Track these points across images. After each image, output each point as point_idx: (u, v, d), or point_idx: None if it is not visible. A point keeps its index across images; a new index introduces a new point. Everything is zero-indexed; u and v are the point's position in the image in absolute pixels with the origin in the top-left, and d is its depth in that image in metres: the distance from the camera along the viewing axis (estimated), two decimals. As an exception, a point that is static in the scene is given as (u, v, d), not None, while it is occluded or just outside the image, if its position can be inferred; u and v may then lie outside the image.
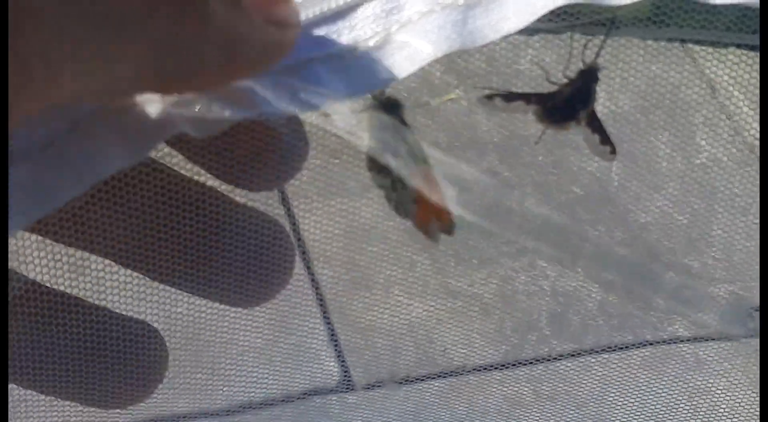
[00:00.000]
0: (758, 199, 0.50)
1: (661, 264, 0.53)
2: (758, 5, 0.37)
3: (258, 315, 0.53)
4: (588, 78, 0.40)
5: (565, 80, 0.41)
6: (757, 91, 0.45)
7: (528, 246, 0.53)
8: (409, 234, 0.51)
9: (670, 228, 0.51)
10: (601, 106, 0.44)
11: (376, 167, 0.41)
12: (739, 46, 0.40)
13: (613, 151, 0.42)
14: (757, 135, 0.48)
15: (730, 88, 0.47)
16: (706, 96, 0.48)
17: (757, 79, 0.45)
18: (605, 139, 0.42)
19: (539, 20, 0.37)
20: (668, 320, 0.56)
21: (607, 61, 0.43)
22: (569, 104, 0.40)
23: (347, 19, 0.35)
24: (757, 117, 0.48)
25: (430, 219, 0.41)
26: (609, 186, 0.49)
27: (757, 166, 0.49)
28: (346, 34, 0.35)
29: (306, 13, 0.35)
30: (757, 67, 0.45)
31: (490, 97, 0.40)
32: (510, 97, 0.40)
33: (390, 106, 0.38)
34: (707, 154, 0.49)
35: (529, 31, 0.38)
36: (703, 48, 0.45)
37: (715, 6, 0.38)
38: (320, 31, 0.35)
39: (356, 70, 0.35)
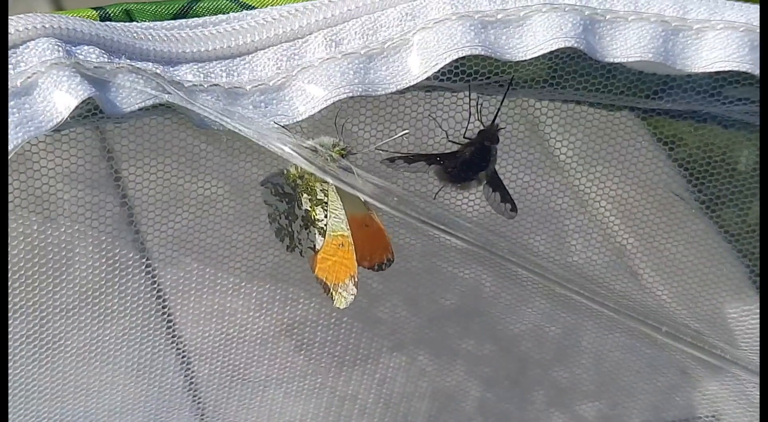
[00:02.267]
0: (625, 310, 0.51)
1: (530, 380, 0.53)
2: (644, 66, 0.38)
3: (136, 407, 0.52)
4: (487, 138, 0.41)
5: (464, 140, 0.41)
6: (625, 202, 0.48)
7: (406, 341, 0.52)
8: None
9: (541, 339, 0.51)
10: (478, 207, 0.46)
11: (276, 188, 0.40)
12: (632, 108, 0.42)
13: (514, 209, 0.43)
14: (624, 242, 0.51)
15: (598, 199, 0.48)
16: (575, 205, 0.49)
17: (624, 193, 0.48)
18: (505, 197, 0.42)
19: (439, 79, 0.38)
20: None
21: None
22: (469, 165, 0.41)
23: (247, 59, 0.35)
24: (625, 226, 0.50)
25: (339, 279, 0.40)
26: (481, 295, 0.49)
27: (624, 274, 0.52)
28: (246, 73, 0.35)
29: (207, 47, 0.35)
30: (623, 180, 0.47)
31: (391, 160, 0.40)
32: (411, 158, 0.40)
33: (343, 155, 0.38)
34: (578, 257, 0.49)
35: (429, 88, 0.39)
36: (570, 160, 0.46)
37: (610, 70, 0.39)
38: (221, 66, 0.35)
39: (252, 106, 0.34)
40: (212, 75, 0.34)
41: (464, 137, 0.41)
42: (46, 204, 0.40)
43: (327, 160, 0.37)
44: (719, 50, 0.37)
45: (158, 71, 0.33)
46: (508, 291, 0.51)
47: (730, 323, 0.52)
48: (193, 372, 0.53)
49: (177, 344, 0.51)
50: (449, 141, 0.41)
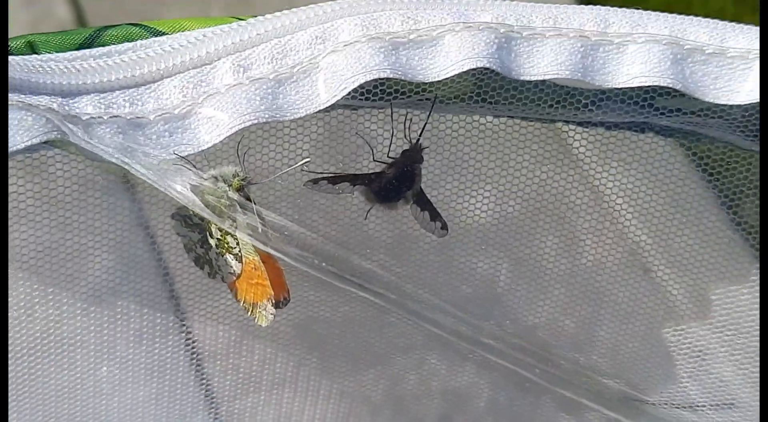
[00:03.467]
0: (641, 306, 0.51)
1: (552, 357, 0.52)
2: (569, 81, 0.37)
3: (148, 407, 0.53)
4: (411, 158, 0.41)
5: (389, 160, 0.41)
6: (640, 199, 0.48)
7: (418, 341, 0.52)
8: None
9: (558, 331, 0.51)
10: (490, 210, 0.46)
11: (185, 220, 0.41)
12: (566, 121, 0.41)
13: (444, 227, 0.42)
14: (639, 237, 0.49)
15: (614, 196, 0.47)
16: (590, 202, 0.47)
17: (639, 187, 0.47)
18: (435, 216, 0.42)
19: (359, 98, 0.37)
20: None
21: (494, 168, 0.44)
22: (394, 185, 0.41)
23: (152, 87, 0.35)
24: (640, 223, 0.48)
25: (259, 298, 0.41)
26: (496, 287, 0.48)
27: (638, 270, 0.50)
28: (151, 102, 0.35)
29: (111, 77, 0.35)
30: (639, 175, 0.47)
31: (315, 181, 0.40)
32: (335, 179, 0.40)
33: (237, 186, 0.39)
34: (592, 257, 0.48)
35: (352, 106, 0.39)
36: (589, 155, 0.45)
37: (537, 84, 0.38)
38: (124, 96, 0.35)
39: (156, 135, 0.35)
40: (114, 105, 0.35)
41: (389, 156, 0.41)
42: (61, 203, 0.42)
43: (224, 193, 0.37)
44: (640, 65, 0.35)
45: (54, 106, 0.33)
46: (525, 286, 0.51)
47: (743, 319, 0.50)
48: (206, 373, 0.53)
49: (190, 345, 0.52)
50: (374, 161, 0.41)
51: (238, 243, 0.39)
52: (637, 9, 0.36)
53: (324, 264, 0.40)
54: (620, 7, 0.36)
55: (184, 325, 0.50)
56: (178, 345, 0.50)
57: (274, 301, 0.41)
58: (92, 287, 0.46)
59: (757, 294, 0.49)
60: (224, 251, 0.40)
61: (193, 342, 0.51)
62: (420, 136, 0.40)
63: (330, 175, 0.40)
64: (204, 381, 0.53)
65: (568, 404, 0.54)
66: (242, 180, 0.38)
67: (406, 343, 0.53)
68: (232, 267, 0.40)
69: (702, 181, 0.46)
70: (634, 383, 0.52)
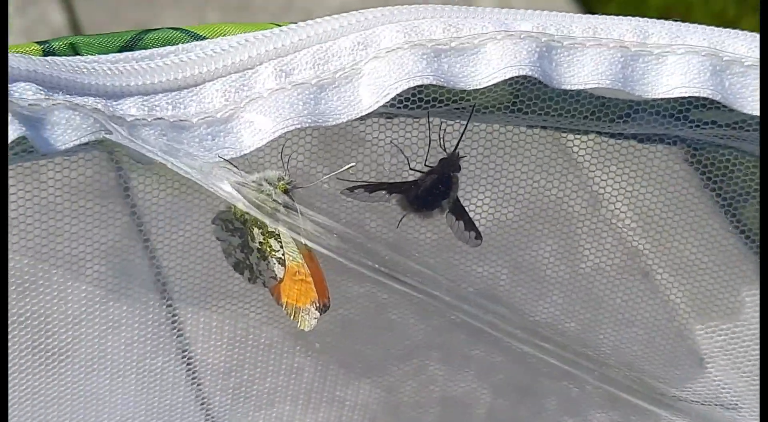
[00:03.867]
0: (640, 312, 0.52)
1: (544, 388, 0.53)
2: (607, 92, 0.38)
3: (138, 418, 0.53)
4: (448, 167, 0.41)
5: (426, 168, 0.41)
6: (640, 203, 0.48)
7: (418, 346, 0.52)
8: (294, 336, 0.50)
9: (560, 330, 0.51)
10: (487, 214, 0.46)
11: (226, 224, 0.41)
12: (599, 133, 0.41)
13: (479, 237, 0.42)
14: (637, 242, 0.50)
15: (614, 201, 0.47)
16: (589, 208, 0.48)
17: (639, 192, 0.47)
18: (469, 225, 0.42)
19: (396, 106, 0.37)
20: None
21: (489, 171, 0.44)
22: (431, 193, 0.41)
23: (195, 91, 0.35)
24: (639, 227, 0.49)
25: (302, 302, 0.41)
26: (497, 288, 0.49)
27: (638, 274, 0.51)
28: (194, 106, 0.35)
29: (153, 79, 0.35)
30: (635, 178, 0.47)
31: (351, 190, 0.40)
32: (372, 187, 0.40)
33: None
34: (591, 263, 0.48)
35: (388, 114, 0.40)
36: (588, 160, 0.46)
37: (572, 95, 0.38)
38: (167, 99, 0.35)
39: (198, 139, 0.35)
40: (157, 108, 0.35)
41: (425, 165, 0.41)
42: (53, 213, 0.41)
43: (269, 195, 0.37)
44: (680, 76, 0.36)
45: (99, 106, 0.33)
46: (525, 288, 0.51)
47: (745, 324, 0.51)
48: (201, 383, 0.53)
49: (185, 355, 0.51)
50: (411, 169, 0.41)
51: (282, 246, 0.39)
52: (676, 20, 0.36)
53: (365, 260, 0.40)
54: (622, 10, 0.36)
55: (180, 335, 0.49)
56: (173, 355, 0.50)
57: (318, 304, 0.40)
58: (85, 296, 0.46)
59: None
60: (267, 254, 0.40)
61: (189, 352, 0.51)
62: (458, 144, 0.40)
63: (367, 183, 0.40)
64: (199, 392, 0.53)
65: (574, 405, 0.54)
66: (287, 183, 0.38)
67: (403, 351, 0.53)
68: (274, 271, 0.40)
69: (702, 185, 0.47)
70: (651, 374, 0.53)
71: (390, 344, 0.52)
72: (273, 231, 0.39)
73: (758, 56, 0.36)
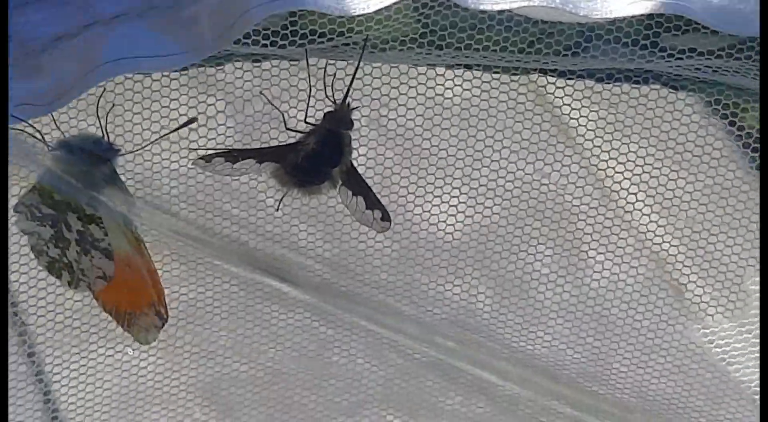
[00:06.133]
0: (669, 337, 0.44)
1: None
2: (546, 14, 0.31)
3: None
4: (336, 123, 0.34)
5: (307, 127, 0.34)
6: (662, 191, 0.40)
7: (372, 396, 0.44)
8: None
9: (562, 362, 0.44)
10: (460, 214, 0.39)
11: (32, 210, 0.34)
12: (543, 71, 0.34)
13: (386, 217, 0.35)
14: (663, 246, 0.43)
15: (628, 190, 0.41)
16: (600, 199, 0.41)
17: (661, 176, 0.40)
18: (371, 202, 0.35)
19: (263, 44, 0.30)
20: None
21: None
22: (316, 160, 0.34)
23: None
24: (666, 223, 0.42)
25: (138, 306, 0.34)
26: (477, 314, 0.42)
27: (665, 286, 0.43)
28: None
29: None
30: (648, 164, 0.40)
31: (207, 159, 0.33)
32: (236, 155, 0.33)
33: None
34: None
35: (257, 56, 0.33)
36: (591, 137, 0.39)
37: (501, 21, 0.31)
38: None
39: None
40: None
41: (306, 122, 0.34)
42: None
43: (85, 169, 0.32)
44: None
45: None
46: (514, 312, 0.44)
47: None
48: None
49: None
50: (287, 129, 0.34)
51: (106, 234, 0.33)
52: None
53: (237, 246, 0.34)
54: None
55: (40, 380, 0.41)
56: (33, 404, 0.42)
57: (157, 309, 0.34)
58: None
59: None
60: (89, 246, 0.33)
61: (52, 403, 0.42)
62: (348, 92, 0.33)
63: (227, 150, 0.34)
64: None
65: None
66: (107, 149, 0.32)
67: (352, 403, 0.45)
68: (102, 268, 0.34)
69: (745, 159, 0.39)
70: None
71: (335, 393, 0.44)
72: (92, 214, 0.33)
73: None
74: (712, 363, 0.44)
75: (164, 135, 0.33)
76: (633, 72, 0.34)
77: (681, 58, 0.32)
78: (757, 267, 0.42)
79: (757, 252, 0.42)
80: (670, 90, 0.35)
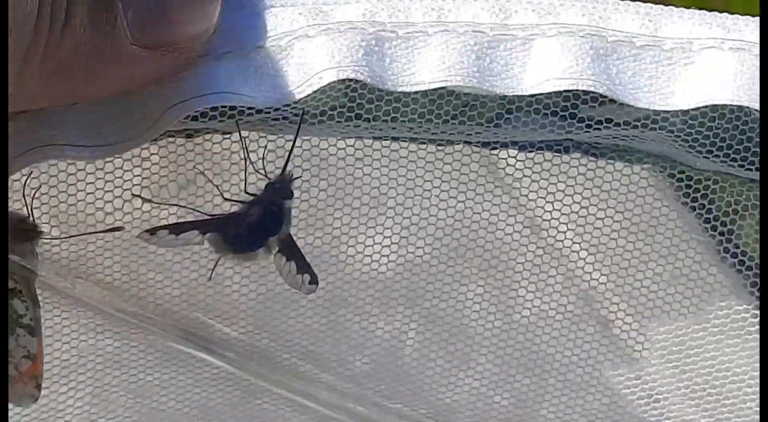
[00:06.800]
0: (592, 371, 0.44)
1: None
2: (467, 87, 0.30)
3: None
4: (279, 193, 0.34)
5: (248, 197, 0.34)
6: (589, 228, 0.40)
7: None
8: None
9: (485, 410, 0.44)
10: (396, 254, 0.39)
11: None
12: (467, 143, 0.35)
13: (314, 281, 0.35)
14: (593, 282, 0.43)
15: (557, 225, 0.41)
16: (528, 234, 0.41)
17: (589, 215, 0.40)
18: (303, 267, 0.35)
19: (195, 118, 0.30)
20: None
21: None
22: (256, 228, 0.34)
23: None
24: (594, 260, 0.42)
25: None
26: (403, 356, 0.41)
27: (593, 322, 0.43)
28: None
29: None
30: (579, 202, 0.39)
31: (152, 231, 0.33)
32: (179, 227, 0.34)
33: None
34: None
35: (190, 131, 0.32)
36: (519, 177, 0.38)
37: (426, 95, 0.31)
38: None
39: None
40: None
41: (246, 192, 0.34)
42: None
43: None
44: (553, 64, 0.29)
45: None
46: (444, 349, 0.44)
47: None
48: None
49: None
50: (225, 200, 0.34)
51: (28, 309, 0.32)
52: (547, -8, 0.29)
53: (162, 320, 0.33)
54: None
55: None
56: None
57: (38, 382, 0.33)
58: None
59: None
60: (12, 324, 0.32)
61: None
62: (287, 162, 0.33)
63: (173, 223, 0.34)
64: None
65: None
66: (29, 229, 0.31)
67: None
68: (27, 346, 0.32)
69: (675, 199, 0.39)
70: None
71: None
72: (14, 288, 0.32)
73: (653, 33, 0.29)
74: (640, 398, 0.44)
75: (89, 233, 0.33)
76: (554, 141, 0.34)
77: (599, 129, 0.32)
78: (683, 299, 0.42)
79: (681, 288, 0.42)
80: (591, 158, 0.36)
